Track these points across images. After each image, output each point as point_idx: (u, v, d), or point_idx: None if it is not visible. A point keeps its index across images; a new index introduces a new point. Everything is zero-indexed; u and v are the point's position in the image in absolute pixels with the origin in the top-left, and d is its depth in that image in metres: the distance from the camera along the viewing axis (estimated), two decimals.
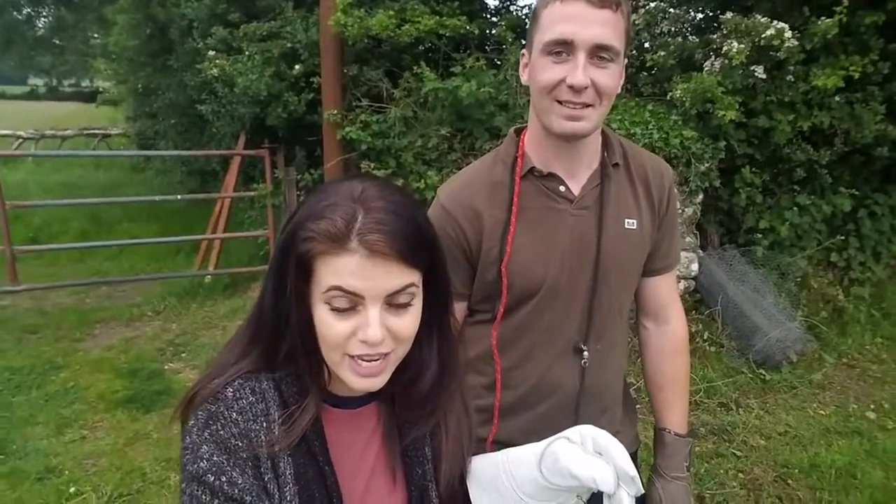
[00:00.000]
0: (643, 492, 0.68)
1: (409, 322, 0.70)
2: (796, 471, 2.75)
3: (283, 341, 0.73)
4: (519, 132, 1.14)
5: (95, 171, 11.17)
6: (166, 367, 3.82)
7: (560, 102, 0.98)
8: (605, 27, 0.94)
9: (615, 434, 1.21)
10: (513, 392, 1.13)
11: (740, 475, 2.74)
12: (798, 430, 3.06)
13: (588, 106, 0.98)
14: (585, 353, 1.11)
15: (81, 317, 4.58)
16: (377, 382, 0.71)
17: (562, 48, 0.96)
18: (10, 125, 14.04)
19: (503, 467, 0.80)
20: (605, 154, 1.10)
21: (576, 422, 1.15)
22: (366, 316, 0.67)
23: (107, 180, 10.16)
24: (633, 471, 0.69)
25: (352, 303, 0.67)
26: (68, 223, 6.93)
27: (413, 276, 0.68)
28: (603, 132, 1.11)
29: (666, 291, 1.23)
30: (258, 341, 0.74)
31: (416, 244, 0.68)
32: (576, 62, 0.95)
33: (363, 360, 0.69)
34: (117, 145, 12.98)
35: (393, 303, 0.68)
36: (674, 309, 1.25)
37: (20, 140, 12.28)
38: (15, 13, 14.70)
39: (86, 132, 13.63)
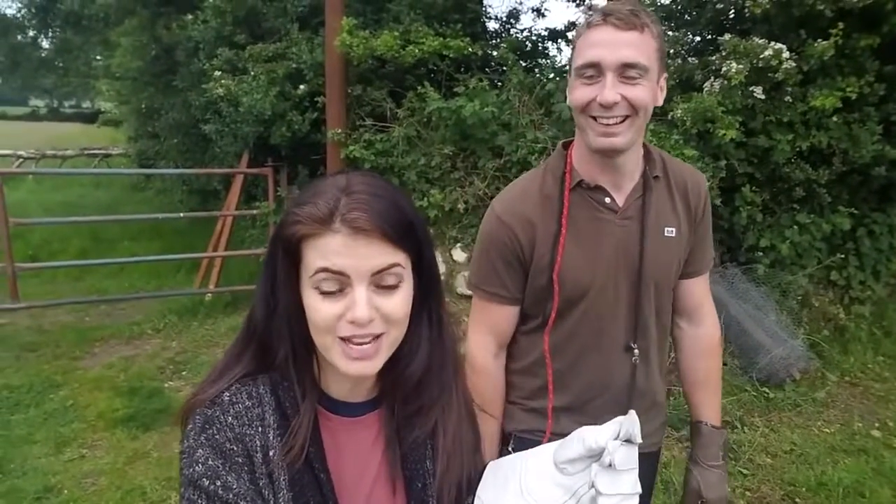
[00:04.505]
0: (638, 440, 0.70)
1: (398, 302, 0.69)
2: (804, 489, 2.73)
3: (275, 337, 0.72)
4: (567, 146, 1.22)
5: (95, 189, 11.18)
6: (166, 385, 3.79)
7: (594, 119, 1.07)
8: (631, 47, 1.04)
9: (660, 426, 1.32)
10: (567, 393, 1.22)
11: (747, 493, 2.72)
12: (804, 449, 3.05)
13: (622, 121, 1.06)
14: (636, 350, 1.20)
15: (81, 335, 4.54)
16: (369, 366, 0.70)
17: (592, 70, 1.06)
18: (10, 145, 14.10)
19: (520, 460, 0.80)
20: (647, 167, 1.19)
21: None
22: (353, 296, 0.67)
23: (107, 199, 10.17)
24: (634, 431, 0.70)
25: (339, 284, 0.67)
26: (68, 241, 6.92)
27: (398, 257, 0.68)
28: (644, 146, 1.20)
29: (700, 293, 1.30)
30: (252, 339, 0.74)
31: (399, 224, 0.68)
32: (604, 82, 1.05)
33: (353, 342, 0.68)
34: (117, 165, 13.01)
35: (380, 283, 0.68)
36: (707, 310, 1.32)
37: (20, 160, 12.32)
38: (20, 36, 14.85)
39: (86, 152, 13.69)
